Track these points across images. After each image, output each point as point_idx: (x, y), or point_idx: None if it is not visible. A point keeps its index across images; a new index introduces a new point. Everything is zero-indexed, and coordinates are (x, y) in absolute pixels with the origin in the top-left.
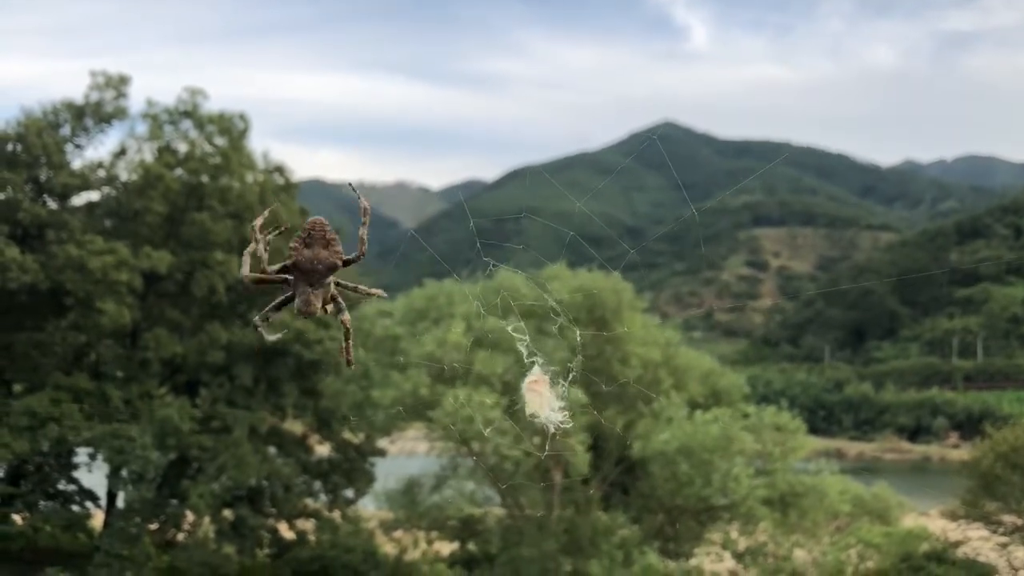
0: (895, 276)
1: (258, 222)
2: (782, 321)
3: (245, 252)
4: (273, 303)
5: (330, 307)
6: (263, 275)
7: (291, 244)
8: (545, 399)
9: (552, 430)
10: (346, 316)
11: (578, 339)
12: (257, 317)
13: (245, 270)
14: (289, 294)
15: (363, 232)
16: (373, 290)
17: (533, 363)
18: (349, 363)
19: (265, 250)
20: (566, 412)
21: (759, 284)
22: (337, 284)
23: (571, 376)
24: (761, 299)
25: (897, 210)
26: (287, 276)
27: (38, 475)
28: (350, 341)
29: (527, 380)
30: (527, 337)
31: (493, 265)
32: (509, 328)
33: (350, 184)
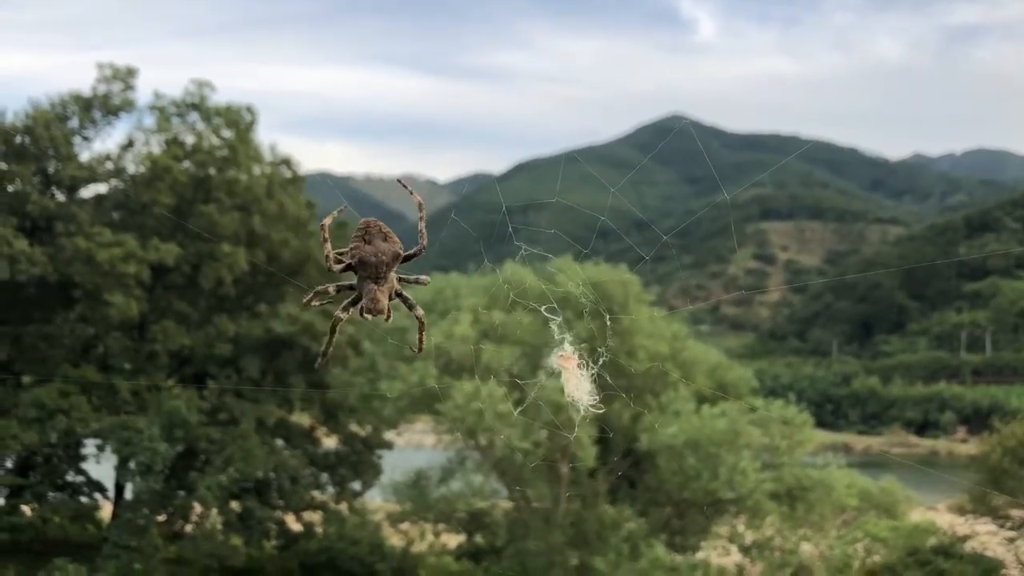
0: (901, 266)
1: (328, 221)
2: (789, 315)
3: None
4: (347, 300)
5: (394, 302)
6: (339, 260)
7: (351, 245)
8: (575, 379)
9: (582, 412)
10: (419, 310)
11: (607, 322)
12: (338, 313)
13: (329, 262)
14: (356, 294)
15: (421, 226)
16: (422, 278)
17: (563, 339)
18: (420, 349)
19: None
20: (596, 396)
21: (767, 278)
22: (400, 279)
23: (601, 360)
24: (768, 292)
25: (906, 204)
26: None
27: (47, 466)
28: (424, 332)
29: (557, 354)
30: (559, 317)
31: (525, 250)
32: (542, 309)
33: (399, 180)
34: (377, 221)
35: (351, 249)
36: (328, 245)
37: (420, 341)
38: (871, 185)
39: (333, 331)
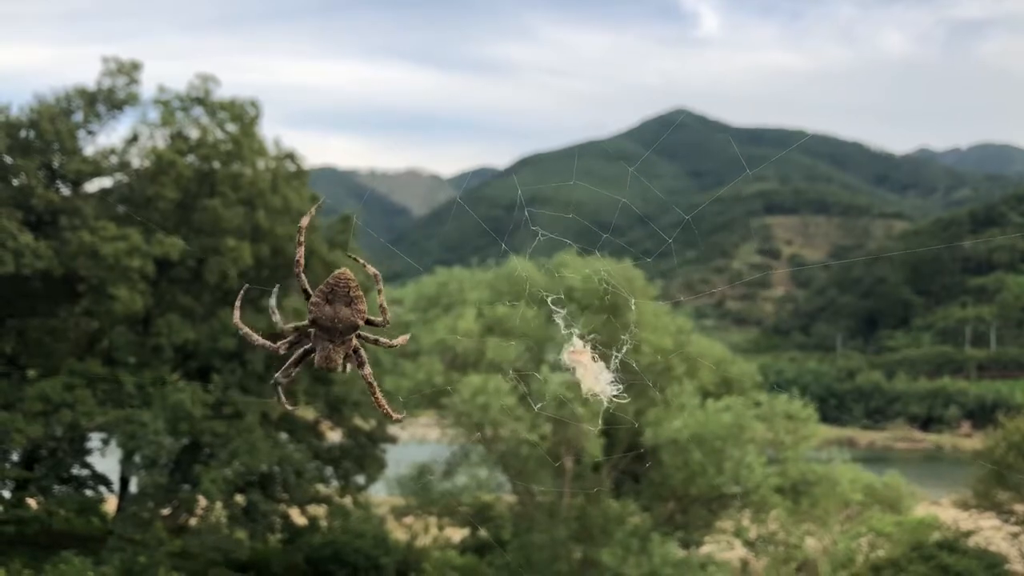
0: (908, 259)
1: (304, 222)
2: (794, 310)
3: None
4: (292, 358)
5: (351, 363)
6: (282, 337)
7: (313, 300)
8: (593, 371)
9: (606, 404)
10: (367, 370)
11: (633, 306)
12: (278, 374)
13: (299, 269)
14: (308, 347)
15: (381, 300)
16: (396, 341)
17: (571, 334)
18: (389, 415)
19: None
20: (619, 385)
21: (771, 272)
22: (359, 337)
23: (625, 348)
24: (773, 287)
25: (911, 198)
26: (308, 337)
27: (52, 460)
28: (378, 394)
29: (568, 351)
30: (564, 310)
31: (542, 235)
32: (549, 299)
33: (351, 255)
34: (349, 280)
35: (311, 305)
36: (302, 250)
37: (380, 403)
38: (876, 179)
39: (276, 393)
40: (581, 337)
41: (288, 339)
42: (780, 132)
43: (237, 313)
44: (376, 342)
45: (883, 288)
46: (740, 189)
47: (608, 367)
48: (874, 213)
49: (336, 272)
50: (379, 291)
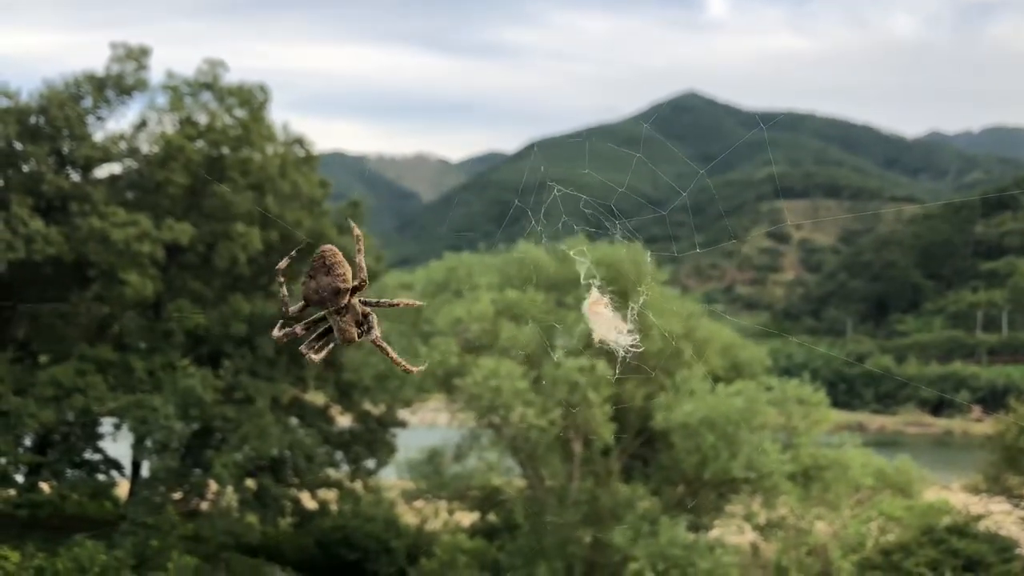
0: (918, 243)
1: (282, 265)
2: (804, 294)
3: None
4: (315, 334)
5: (365, 328)
6: (297, 319)
7: (301, 280)
8: (610, 321)
9: (621, 354)
10: (374, 335)
11: (648, 261)
12: (303, 347)
13: (276, 332)
14: (328, 326)
15: (359, 259)
16: (405, 301)
17: (590, 284)
18: (408, 371)
19: (286, 297)
20: (635, 335)
21: (781, 257)
22: (363, 303)
23: (642, 300)
24: (783, 271)
25: (922, 182)
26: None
27: (64, 444)
28: (392, 354)
29: (587, 303)
30: (587, 260)
31: (565, 218)
32: (571, 252)
33: (348, 219)
34: (326, 251)
35: (301, 285)
36: (284, 290)
37: (398, 363)
38: (887, 163)
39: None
40: (600, 288)
41: (303, 322)
42: (790, 115)
43: (284, 263)
44: (378, 304)
45: (893, 272)
46: (750, 173)
47: (625, 319)
48: (885, 197)
49: (319, 249)
50: (358, 250)
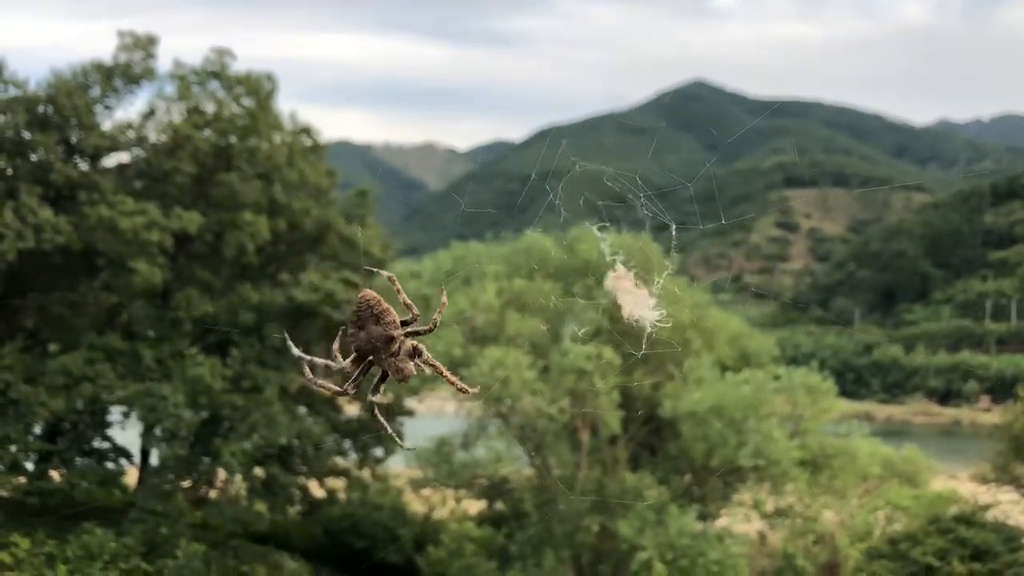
0: (927, 232)
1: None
2: (812, 283)
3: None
4: (375, 382)
5: (417, 359)
6: (349, 373)
7: (348, 331)
8: (635, 297)
9: (649, 329)
10: (425, 356)
11: (674, 232)
12: (371, 397)
13: (329, 386)
14: (381, 373)
15: (403, 297)
16: (433, 318)
17: (615, 260)
18: (464, 391)
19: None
20: (661, 309)
21: (789, 246)
22: (407, 334)
23: (666, 273)
24: (791, 260)
25: (931, 171)
26: (366, 359)
27: (74, 432)
28: (447, 374)
29: (611, 276)
30: (608, 236)
31: (586, 194)
32: (594, 228)
33: (366, 267)
34: (371, 299)
35: (349, 336)
36: (331, 365)
37: (450, 382)
38: (896, 151)
39: (373, 415)
40: (624, 263)
41: (352, 377)
42: (798, 104)
43: (294, 349)
44: (418, 333)
45: (902, 261)
46: (758, 162)
47: (650, 293)
48: (894, 185)
49: (358, 298)
50: (397, 291)
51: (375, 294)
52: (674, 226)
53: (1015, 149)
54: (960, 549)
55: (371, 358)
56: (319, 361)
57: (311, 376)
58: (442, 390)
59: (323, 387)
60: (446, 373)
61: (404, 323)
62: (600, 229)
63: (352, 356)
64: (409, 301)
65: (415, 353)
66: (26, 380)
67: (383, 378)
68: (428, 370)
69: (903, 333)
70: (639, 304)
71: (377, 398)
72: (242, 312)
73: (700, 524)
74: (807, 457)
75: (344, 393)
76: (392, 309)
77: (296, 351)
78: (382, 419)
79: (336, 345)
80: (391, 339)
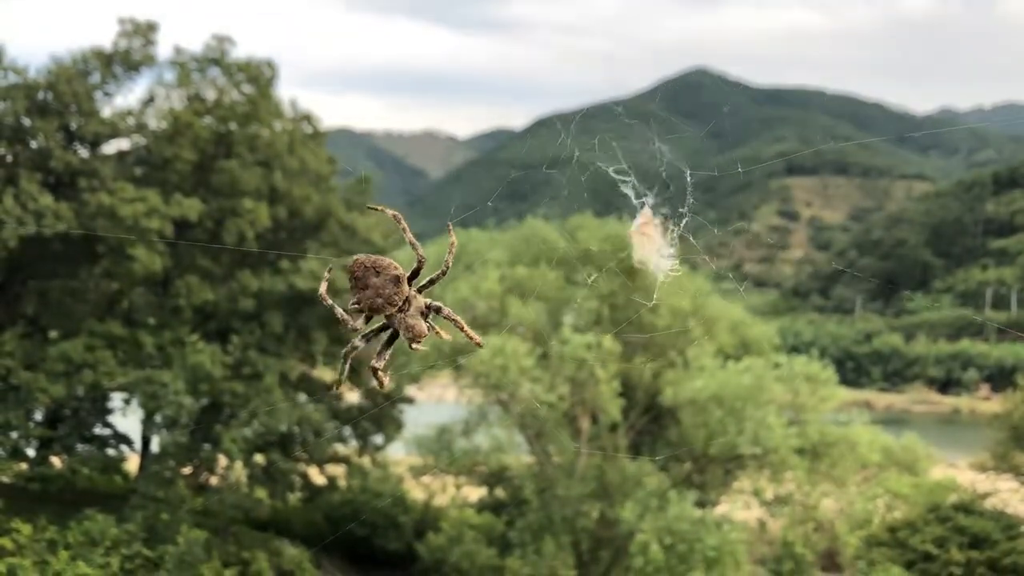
0: (928, 221)
1: (323, 288)
2: (813, 272)
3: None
4: (381, 345)
5: (431, 317)
6: (365, 329)
7: (353, 298)
8: (655, 244)
9: (661, 278)
10: (445, 312)
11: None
12: (374, 363)
13: (347, 321)
14: (391, 331)
15: (409, 237)
16: (445, 262)
17: (643, 203)
18: (479, 344)
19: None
20: (676, 259)
21: (790, 234)
22: (420, 290)
23: (684, 221)
24: (791, 249)
25: (933, 159)
26: (380, 321)
27: (75, 419)
28: (466, 328)
29: (636, 224)
30: (631, 178)
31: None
32: (611, 170)
33: (369, 207)
34: (362, 259)
35: (355, 300)
36: (338, 310)
37: (470, 337)
38: (897, 140)
39: (380, 384)
40: (652, 208)
41: (366, 331)
42: (800, 92)
43: (324, 286)
44: (431, 282)
45: (903, 250)
46: (760, 150)
47: (669, 240)
48: (895, 174)
49: (348, 263)
50: (404, 229)
51: (365, 254)
52: (685, 210)
53: (1017, 138)
54: (959, 537)
55: (385, 314)
56: (338, 309)
57: (341, 312)
58: (443, 377)
59: (344, 317)
60: (465, 329)
61: (413, 274)
62: (618, 172)
63: (361, 313)
64: (416, 242)
65: (430, 310)
66: (27, 366)
67: (391, 340)
68: (444, 331)
69: (904, 322)
70: (655, 251)
71: (380, 364)
72: (242, 299)
73: (700, 511)
74: (807, 445)
75: (354, 330)
76: (390, 259)
77: (324, 293)
78: (387, 381)
79: (337, 308)
80: (398, 279)
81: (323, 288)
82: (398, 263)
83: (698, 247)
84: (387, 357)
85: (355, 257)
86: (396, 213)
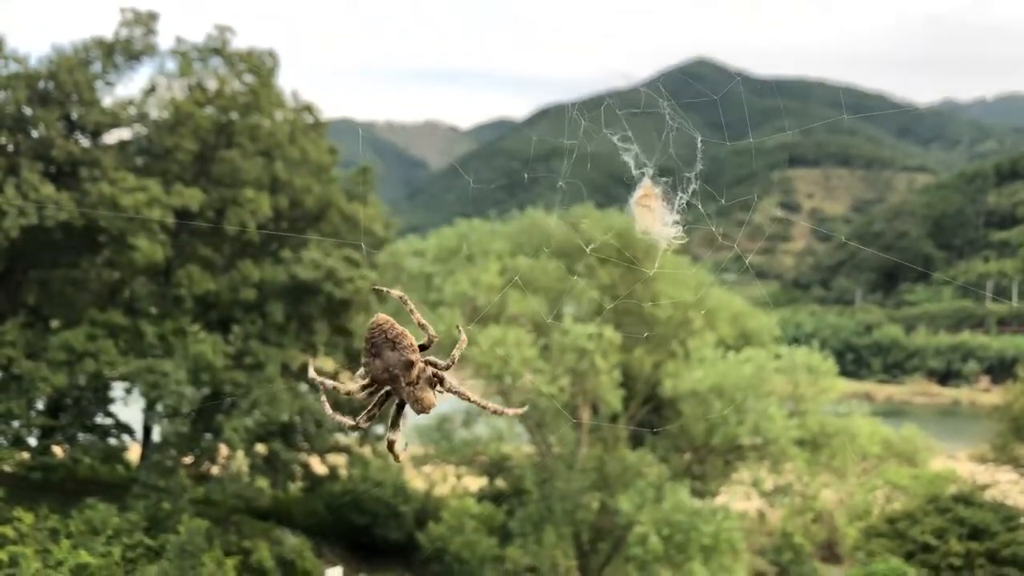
0: (930, 212)
1: (311, 372)
2: (814, 263)
3: (323, 400)
4: (392, 416)
5: (439, 387)
6: (367, 408)
7: (363, 360)
8: (656, 214)
9: (664, 246)
10: (449, 385)
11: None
12: (389, 436)
13: (343, 419)
14: (398, 402)
15: (417, 318)
16: (456, 350)
17: (643, 174)
18: (501, 413)
19: (335, 386)
20: (680, 226)
21: (791, 226)
22: (427, 362)
23: (691, 189)
24: (793, 240)
25: (934, 151)
26: (383, 389)
27: (76, 408)
28: (477, 400)
29: (636, 195)
30: (635, 147)
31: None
32: (615, 138)
33: (375, 287)
34: (383, 324)
35: (364, 365)
36: (327, 407)
37: (486, 408)
38: (899, 132)
39: (396, 459)
40: (652, 178)
41: (367, 410)
42: (801, 83)
43: (311, 371)
44: (436, 366)
45: (904, 242)
46: (762, 141)
47: (672, 209)
48: (897, 166)
49: (369, 324)
50: (410, 311)
51: (388, 317)
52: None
53: (1019, 129)
54: (958, 528)
55: (389, 388)
56: (329, 383)
57: (330, 410)
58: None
59: (340, 420)
60: (476, 400)
61: (422, 347)
62: (623, 140)
63: (364, 383)
64: (424, 322)
65: (439, 383)
66: (28, 356)
67: (400, 409)
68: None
69: (904, 313)
70: (657, 221)
71: (397, 438)
72: (243, 289)
73: (698, 501)
74: (807, 436)
75: (356, 428)
76: (408, 332)
77: (312, 373)
78: (400, 450)
79: (312, 372)
80: (410, 364)
81: (311, 371)
82: (414, 341)
83: (705, 212)
84: (401, 429)
85: (376, 320)
86: (402, 295)
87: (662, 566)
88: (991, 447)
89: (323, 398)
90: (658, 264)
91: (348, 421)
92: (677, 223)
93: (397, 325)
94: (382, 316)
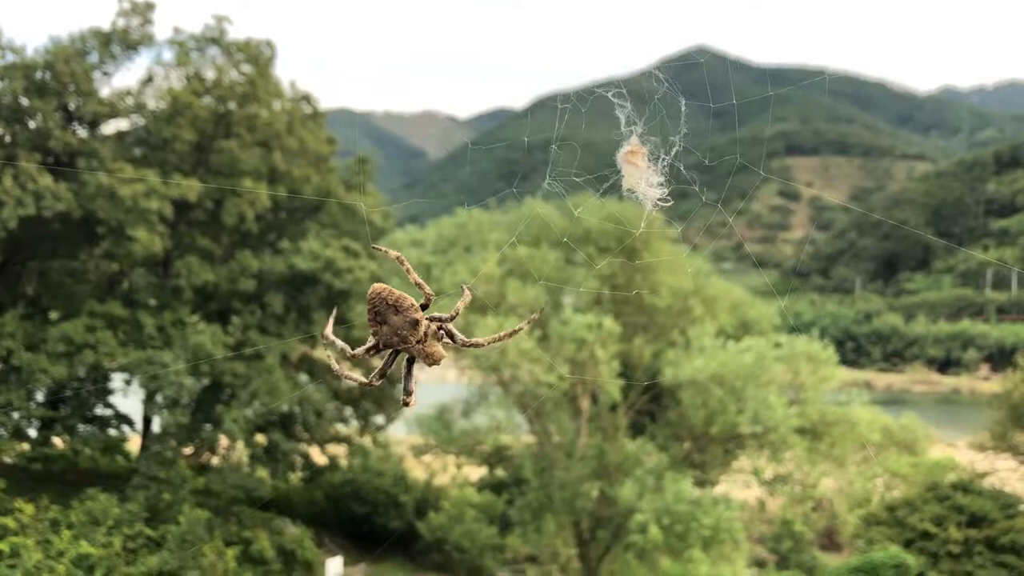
0: (929, 201)
1: (328, 329)
2: (813, 252)
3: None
4: (404, 375)
5: (448, 341)
6: (381, 367)
7: (371, 329)
8: (643, 173)
9: (649, 207)
10: (459, 340)
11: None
12: (404, 395)
13: (356, 377)
14: (408, 358)
15: (414, 277)
16: (459, 304)
17: (631, 132)
18: (514, 332)
19: (344, 352)
20: (665, 189)
21: (791, 215)
22: (430, 319)
23: (675, 151)
24: (792, 229)
25: (934, 139)
26: (392, 351)
27: (76, 400)
28: (493, 337)
29: (623, 150)
30: (628, 104)
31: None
32: (609, 94)
33: (373, 247)
34: (382, 292)
35: (373, 334)
36: (333, 363)
37: (503, 339)
38: (899, 120)
39: (407, 403)
40: (640, 136)
41: (378, 369)
42: (801, 71)
43: (330, 328)
44: (441, 319)
45: (903, 231)
46: (760, 130)
47: (657, 170)
48: (896, 154)
49: (368, 295)
50: (408, 271)
51: (384, 284)
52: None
53: (1019, 117)
54: (957, 516)
55: (399, 349)
56: (340, 343)
57: (346, 371)
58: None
59: (350, 378)
60: (489, 341)
61: (422, 307)
62: (616, 96)
63: (375, 349)
64: (420, 281)
65: (449, 336)
66: (28, 347)
67: (411, 365)
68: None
69: (904, 302)
70: (642, 180)
71: (411, 400)
72: (242, 279)
73: (698, 490)
74: (807, 425)
75: (370, 385)
76: (407, 294)
77: (329, 332)
78: (412, 404)
79: (330, 330)
80: (416, 323)
81: (329, 328)
82: (415, 301)
83: (689, 177)
84: (413, 384)
85: (374, 289)
86: (399, 255)
87: (662, 554)
88: (990, 435)
89: (332, 359)
90: (643, 225)
91: (361, 379)
92: (662, 184)
93: (395, 290)
94: (379, 285)
